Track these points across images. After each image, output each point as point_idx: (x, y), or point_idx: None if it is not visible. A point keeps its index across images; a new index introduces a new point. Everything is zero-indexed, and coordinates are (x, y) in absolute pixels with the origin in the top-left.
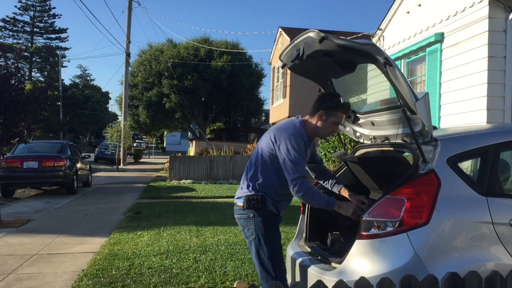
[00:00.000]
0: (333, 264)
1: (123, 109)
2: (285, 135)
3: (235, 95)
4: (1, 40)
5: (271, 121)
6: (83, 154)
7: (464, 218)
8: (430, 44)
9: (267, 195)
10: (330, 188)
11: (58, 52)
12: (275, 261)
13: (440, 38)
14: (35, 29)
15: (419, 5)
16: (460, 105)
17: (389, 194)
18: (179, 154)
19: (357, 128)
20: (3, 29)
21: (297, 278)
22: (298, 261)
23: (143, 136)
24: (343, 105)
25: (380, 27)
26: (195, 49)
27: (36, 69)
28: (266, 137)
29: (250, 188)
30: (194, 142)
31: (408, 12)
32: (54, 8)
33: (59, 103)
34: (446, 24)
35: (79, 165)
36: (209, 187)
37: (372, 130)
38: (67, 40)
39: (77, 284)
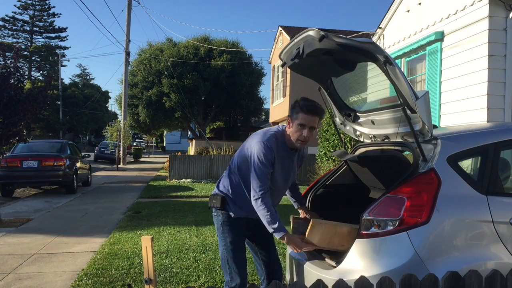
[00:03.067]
0: (333, 263)
1: (122, 108)
2: (256, 146)
3: (235, 94)
4: (1, 39)
5: (271, 120)
6: (82, 154)
7: (465, 217)
8: (430, 43)
9: (230, 197)
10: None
11: (57, 51)
12: (232, 260)
13: (440, 36)
14: (34, 28)
15: (419, 4)
16: (460, 104)
17: (389, 193)
18: (179, 153)
19: (357, 127)
20: (2, 28)
21: (297, 277)
22: (297, 260)
23: (143, 136)
24: (304, 105)
25: (380, 26)
26: (195, 48)
27: (35, 68)
28: (246, 141)
29: (217, 188)
30: (194, 141)
31: (408, 11)
32: (54, 7)
33: (59, 102)
34: (446, 23)
35: (78, 164)
36: (209, 186)
37: (372, 129)
38: (67, 39)
39: (77, 284)
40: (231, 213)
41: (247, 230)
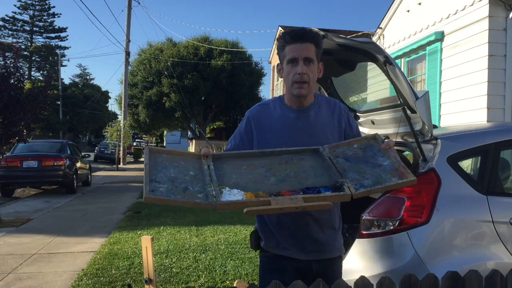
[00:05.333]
0: None
1: (122, 108)
2: None
3: (235, 94)
4: (1, 39)
5: None
6: (82, 153)
7: (464, 217)
8: (430, 43)
9: (260, 224)
10: None
11: (57, 51)
12: None
13: (440, 36)
14: (34, 28)
15: (419, 4)
16: (461, 104)
17: (389, 193)
18: None
19: None
20: (2, 28)
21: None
22: None
23: (143, 135)
24: (287, 33)
25: (380, 26)
26: (195, 48)
27: (35, 68)
28: None
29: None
30: (194, 141)
31: (408, 11)
32: (54, 7)
33: (59, 102)
34: (446, 23)
35: (78, 164)
36: None
37: (372, 128)
38: (67, 39)
39: (77, 284)
40: (274, 251)
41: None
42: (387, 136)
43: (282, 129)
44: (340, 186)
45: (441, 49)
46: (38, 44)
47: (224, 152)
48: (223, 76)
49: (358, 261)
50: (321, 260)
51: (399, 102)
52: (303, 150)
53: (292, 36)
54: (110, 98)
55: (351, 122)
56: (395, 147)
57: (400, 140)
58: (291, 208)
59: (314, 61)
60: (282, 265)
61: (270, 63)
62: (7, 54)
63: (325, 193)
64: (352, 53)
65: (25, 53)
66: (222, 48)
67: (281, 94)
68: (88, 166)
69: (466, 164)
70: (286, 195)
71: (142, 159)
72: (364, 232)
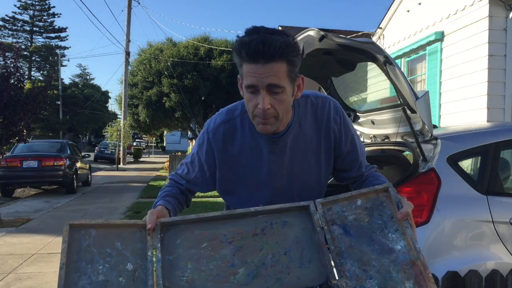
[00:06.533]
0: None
1: (122, 108)
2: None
3: (235, 94)
4: (1, 39)
5: None
6: (82, 153)
7: (464, 217)
8: (430, 43)
9: None
10: None
11: (57, 51)
12: None
13: (440, 36)
14: (34, 28)
15: (419, 4)
16: (461, 104)
17: None
18: (179, 153)
19: (357, 127)
20: (2, 28)
21: None
22: None
23: (143, 135)
24: (241, 43)
25: (380, 26)
26: (195, 48)
27: (35, 68)
28: None
29: None
30: (193, 141)
31: (408, 11)
32: (54, 7)
33: (59, 102)
34: (446, 23)
35: (78, 164)
36: None
37: (372, 128)
38: (67, 39)
39: None
40: None
41: None
42: (386, 136)
43: (253, 163)
44: None
45: (441, 49)
46: (38, 44)
47: (177, 218)
48: (223, 76)
49: None
50: None
51: (399, 102)
52: (287, 208)
53: (250, 53)
54: (110, 98)
55: (343, 135)
56: (395, 147)
57: (400, 140)
58: None
59: (284, 87)
60: None
61: None
62: (7, 54)
63: None
64: (352, 53)
65: (25, 53)
66: (222, 48)
67: None
68: (88, 166)
69: (466, 164)
70: None
71: (142, 159)
72: None
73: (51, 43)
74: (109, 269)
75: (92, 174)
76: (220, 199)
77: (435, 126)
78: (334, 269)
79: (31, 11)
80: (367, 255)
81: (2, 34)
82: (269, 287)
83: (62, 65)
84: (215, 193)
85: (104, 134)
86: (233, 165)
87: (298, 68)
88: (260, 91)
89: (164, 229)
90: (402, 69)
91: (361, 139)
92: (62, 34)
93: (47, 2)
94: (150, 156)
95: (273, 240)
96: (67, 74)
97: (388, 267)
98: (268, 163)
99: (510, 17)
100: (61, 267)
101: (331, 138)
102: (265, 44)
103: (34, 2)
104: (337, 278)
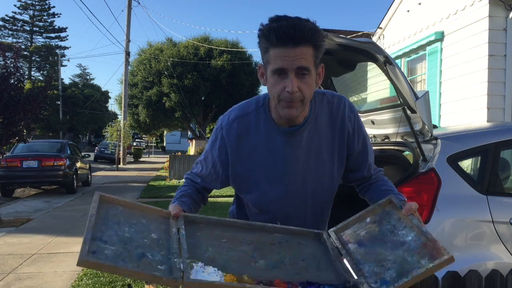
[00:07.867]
0: None
1: (122, 108)
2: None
3: (235, 94)
4: (1, 39)
5: None
6: (82, 153)
7: (464, 217)
8: (430, 43)
9: None
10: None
11: (57, 51)
12: None
13: (440, 36)
14: (34, 28)
15: (420, 4)
16: (461, 104)
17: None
18: (179, 153)
19: None
20: (2, 28)
21: None
22: None
23: (143, 136)
24: (271, 29)
25: (380, 26)
26: (195, 48)
27: (35, 68)
28: None
29: None
30: (194, 141)
31: (408, 11)
32: (54, 7)
33: (59, 102)
34: (446, 23)
35: (78, 164)
36: None
37: (372, 128)
38: (67, 39)
39: (77, 284)
40: None
41: None
42: (386, 136)
43: (267, 159)
44: (354, 286)
45: (441, 49)
46: (38, 44)
47: (199, 216)
48: (223, 76)
49: None
50: None
51: (399, 102)
52: (303, 232)
53: (280, 37)
54: (110, 98)
55: (356, 134)
56: (395, 148)
57: (400, 140)
58: None
59: (311, 70)
60: None
61: None
62: (7, 54)
63: None
64: (352, 53)
65: (25, 53)
66: (222, 48)
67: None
68: (88, 166)
69: (466, 164)
70: (280, 287)
71: (142, 159)
72: None
73: (51, 43)
74: (134, 232)
75: (92, 174)
76: (219, 199)
77: (435, 126)
78: (353, 272)
79: (31, 11)
80: (382, 255)
81: (2, 34)
82: (289, 276)
83: (62, 65)
84: (214, 192)
85: (104, 134)
86: (247, 161)
87: (322, 52)
88: (289, 74)
89: (187, 221)
90: (402, 69)
91: None
92: (62, 34)
93: (47, 2)
94: (150, 156)
95: (289, 250)
96: (67, 74)
97: (403, 256)
98: (283, 157)
99: (510, 17)
100: (91, 215)
101: (345, 136)
102: (295, 28)
103: (34, 2)
104: (356, 277)
